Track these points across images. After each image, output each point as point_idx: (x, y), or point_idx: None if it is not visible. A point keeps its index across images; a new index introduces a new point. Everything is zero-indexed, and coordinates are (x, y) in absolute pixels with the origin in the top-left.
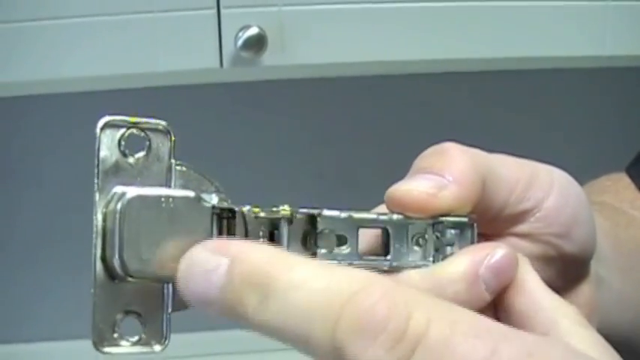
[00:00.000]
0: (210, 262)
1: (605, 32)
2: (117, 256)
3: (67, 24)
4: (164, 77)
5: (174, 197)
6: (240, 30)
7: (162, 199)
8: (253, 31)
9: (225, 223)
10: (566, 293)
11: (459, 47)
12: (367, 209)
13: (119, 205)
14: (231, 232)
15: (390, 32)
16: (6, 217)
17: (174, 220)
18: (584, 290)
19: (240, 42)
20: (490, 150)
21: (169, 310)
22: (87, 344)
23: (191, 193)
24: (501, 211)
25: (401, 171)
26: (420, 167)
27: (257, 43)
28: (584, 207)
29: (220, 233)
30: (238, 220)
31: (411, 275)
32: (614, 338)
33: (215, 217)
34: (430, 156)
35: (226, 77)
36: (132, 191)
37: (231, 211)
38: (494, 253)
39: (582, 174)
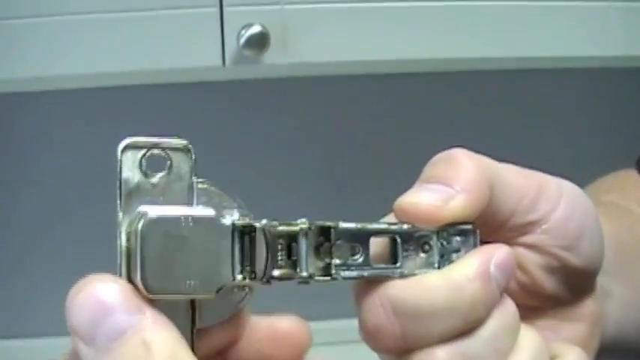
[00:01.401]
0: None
1: (607, 32)
2: (139, 276)
3: (69, 21)
4: (166, 75)
5: (193, 217)
6: (243, 28)
7: (182, 219)
8: (256, 29)
9: (248, 239)
10: (570, 305)
11: (461, 46)
12: (370, 209)
13: (140, 226)
14: (252, 249)
15: (393, 31)
16: (5, 213)
17: (195, 239)
18: (589, 304)
19: (242, 40)
20: (494, 150)
21: (197, 325)
22: None
23: (211, 212)
24: (508, 220)
25: (405, 170)
26: (429, 176)
27: (259, 42)
28: (592, 220)
29: (242, 250)
30: (258, 235)
31: (431, 279)
32: (620, 345)
33: (237, 234)
34: (438, 164)
35: (229, 75)
36: (152, 211)
37: (252, 227)
38: (499, 252)
39: (584, 174)
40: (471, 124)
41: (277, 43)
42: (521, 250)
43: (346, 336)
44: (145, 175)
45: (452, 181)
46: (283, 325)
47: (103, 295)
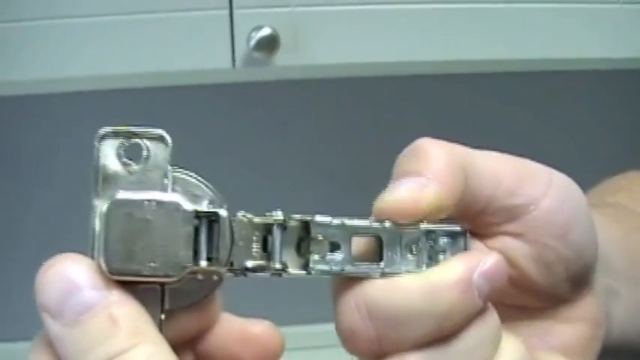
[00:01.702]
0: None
1: (615, 34)
2: (102, 256)
3: (79, 23)
4: (176, 77)
5: (157, 201)
6: (253, 30)
7: (146, 203)
8: (266, 31)
9: (216, 227)
10: (568, 305)
11: (471, 48)
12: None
13: (105, 207)
14: (218, 237)
15: (403, 33)
16: (13, 215)
17: (158, 222)
18: (589, 303)
19: (252, 42)
20: (502, 151)
21: (165, 307)
22: None
23: (175, 197)
24: (488, 204)
25: None
26: (399, 171)
27: (269, 44)
28: (583, 211)
29: (209, 238)
30: (222, 224)
31: (406, 281)
32: (625, 348)
33: (205, 222)
34: (407, 157)
35: (239, 77)
36: (118, 194)
37: (217, 215)
38: (486, 259)
39: (592, 176)
40: (480, 126)
41: (287, 46)
42: (508, 239)
43: (322, 340)
44: (123, 163)
45: (422, 172)
46: (256, 329)
47: (71, 272)
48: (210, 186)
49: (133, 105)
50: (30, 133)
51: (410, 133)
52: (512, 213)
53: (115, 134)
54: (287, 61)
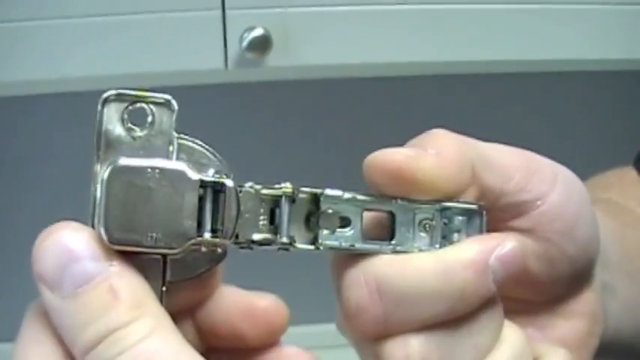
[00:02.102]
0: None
1: (609, 35)
2: (102, 224)
3: (71, 24)
4: (168, 77)
5: (161, 169)
6: (245, 31)
7: (149, 170)
8: (258, 32)
9: (223, 197)
10: (567, 300)
11: (463, 49)
12: None
13: (106, 174)
14: (224, 208)
15: (395, 34)
16: (7, 215)
17: (161, 191)
18: (588, 298)
19: (245, 43)
20: None
21: (167, 279)
22: None
23: (180, 165)
24: (498, 199)
25: None
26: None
27: (262, 45)
28: (587, 206)
29: (214, 209)
30: (229, 195)
31: (419, 259)
32: (620, 344)
33: (210, 192)
34: (417, 138)
35: (231, 78)
36: (120, 160)
37: (223, 185)
38: (504, 244)
39: (586, 177)
40: (473, 126)
41: (279, 46)
42: (516, 235)
43: (322, 341)
44: (127, 128)
45: (428, 147)
46: (260, 302)
47: (70, 242)
48: (217, 154)
49: None
50: (22, 135)
51: (402, 133)
52: (521, 208)
53: (120, 98)
54: (279, 62)
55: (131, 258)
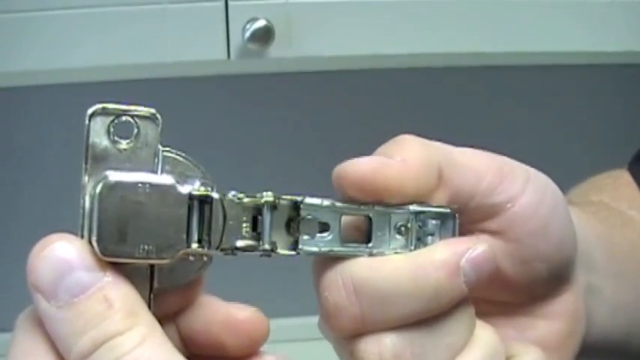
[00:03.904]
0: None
1: (609, 28)
2: (95, 238)
3: (75, 14)
4: (171, 68)
5: (151, 184)
6: (248, 22)
7: (140, 185)
8: (261, 23)
9: (208, 209)
10: (546, 301)
11: (465, 41)
12: None
13: (98, 189)
14: (210, 219)
15: (397, 25)
16: (8, 207)
17: (152, 205)
18: (568, 299)
19: (247, 34)
20: (500, 146)
21: (154, 288)
22: None
23: (169, 180)
24: (470, 200)
25: None
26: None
27: (264, 36)
28: (561, 207)
29: (200, 220)
30: (215, 206)
31: (394, 260)
32: (607, 345)
33: (196, 203)
34: (384, 146)
35: (233, 69)
36: (111, 176)
37: (210, 197)
38: (475, 247)
39: (584, 170)
40: (473, 118)
41: (282, 37)
42: (486, 237)
43: (305, 334)
44: (113, 141)
45: (393, 155)
46: (241, 314)
47: (65, 253)
48: (201, 166)
49: (127, 96)
50: (25, 125)
51: (404, 125)
52: (492, 211)
53: (106, 112)
54: (281, 53)
55: (119, 267)
